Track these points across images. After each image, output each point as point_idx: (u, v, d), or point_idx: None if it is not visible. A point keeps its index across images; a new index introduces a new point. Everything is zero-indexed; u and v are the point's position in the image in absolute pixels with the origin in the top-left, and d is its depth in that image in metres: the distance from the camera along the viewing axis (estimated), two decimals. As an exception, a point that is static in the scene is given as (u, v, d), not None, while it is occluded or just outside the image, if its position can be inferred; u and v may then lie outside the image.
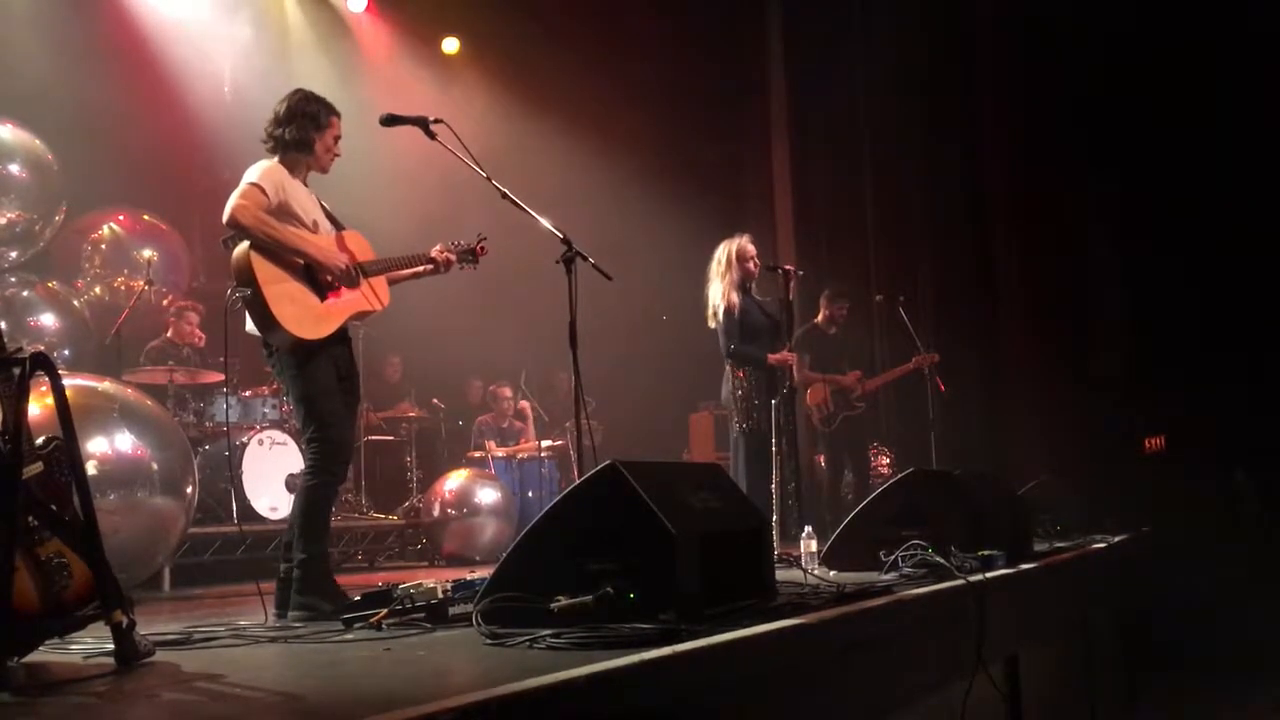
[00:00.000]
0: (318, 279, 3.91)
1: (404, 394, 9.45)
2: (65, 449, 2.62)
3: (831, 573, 4.28)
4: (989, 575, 3.95)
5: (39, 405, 3.16)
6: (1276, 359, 8.84)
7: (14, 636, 2.40)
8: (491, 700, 1.86)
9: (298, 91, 4.04)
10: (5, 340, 2.52)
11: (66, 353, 7.49)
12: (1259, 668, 6.35)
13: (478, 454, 9.12)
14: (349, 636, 3.09)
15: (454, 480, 7.93)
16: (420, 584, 3.32)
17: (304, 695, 2.24)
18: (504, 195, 4.16)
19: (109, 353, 7.33)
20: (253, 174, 3.83)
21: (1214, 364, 8.91)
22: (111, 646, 2.57)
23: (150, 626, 3.13)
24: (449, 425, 9.78)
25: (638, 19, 11.04)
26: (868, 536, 4.44)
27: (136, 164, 8.49)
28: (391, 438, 9.18)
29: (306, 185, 4.05)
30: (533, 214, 4.12)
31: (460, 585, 3.34)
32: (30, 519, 2.49)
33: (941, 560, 3.96)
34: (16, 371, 2.46)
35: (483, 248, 4.52)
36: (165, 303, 8.10)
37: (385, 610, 3.20)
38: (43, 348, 2.74)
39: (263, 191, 3.78)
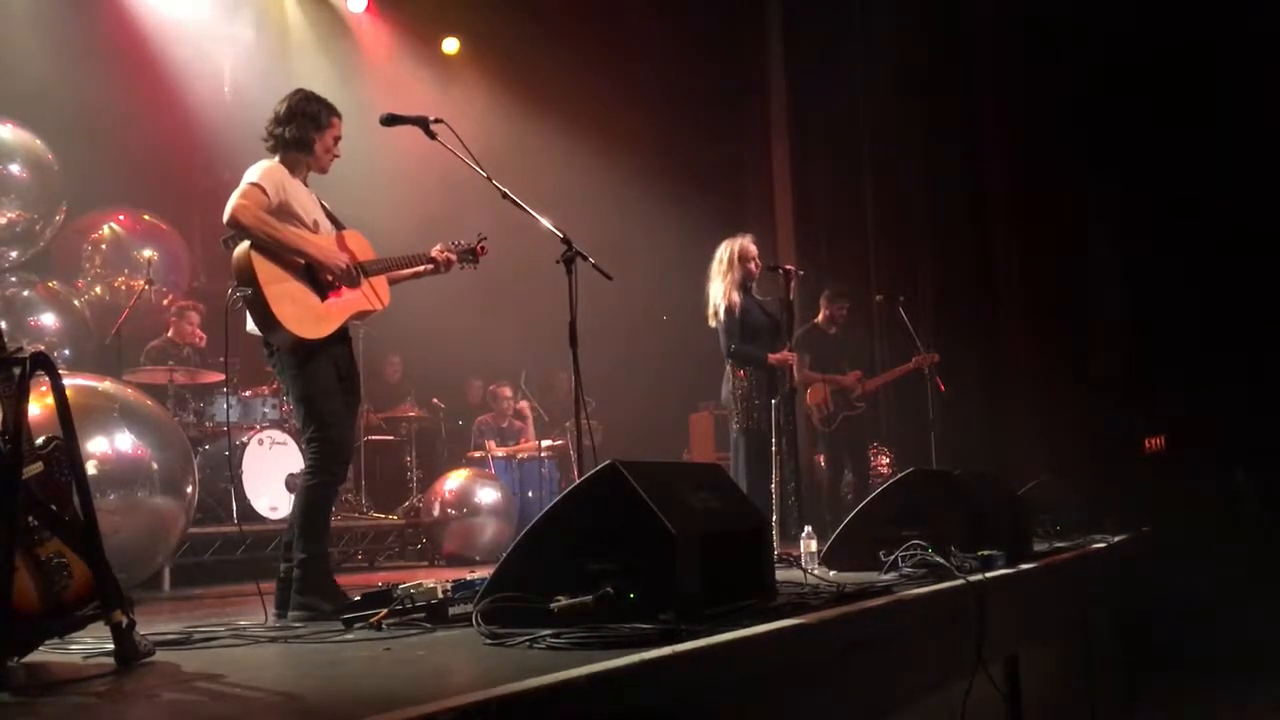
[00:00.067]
0: (318, 279, 3.91)
1: (404, 394, 9.45)
2: (65, 449, 2.62)
3: (831, 573, 4.28)
4: (989, 575, 3.95)
5: (39, 405, 3.16)
6: (1276, 359, 8.83)
7: (14, 636, 2.40)
8: (491, 700, 1.86)
9: (299, 91, 4.05)
10: (5, 340, 2.52)
11: (66, 353, 7.49)
12: (1259, 668, 6.35)
13: (478, 454, 9.12)
14: (349, 636, 3.09)
15: (454, 480, 7.93)
16: (420, 584, 3.32)
17: (304, 695, 2.24)
18: (504, 195, 4.16)
19: (109, 353, 7.33)
20: (253, 174, 3.83)
21: (1214, 364, 8.90)
22: (111, 646, 2.57)
23: (150, 626, 3.13)
24: (449, 425, 9.78)
25: (638, 19, 11.04)
26: (868, 536, 4.44)
27: (136, 164, 8.49)
28: (391, 438, 9.18)
29: (307, 185, 4.05)
30: (533, 214, 4.12)
31: (460, 585, 3.34)
32: (30, 519, 2.49)
33: (941, 560, 3.96)
34: (16, 371, 2.46)
35: (483, 247, 4.52)
36: (165, 302, 8.10)
37: (385, 610, 3.20)
38: (43, 348, 2.74)
39: (263, 191, 3.78)
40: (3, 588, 2.31)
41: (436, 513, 7.78)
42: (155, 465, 5.16)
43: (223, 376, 6.99)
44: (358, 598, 3.44)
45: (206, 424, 7.18)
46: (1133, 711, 6.28)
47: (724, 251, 6.54)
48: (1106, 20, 9.53)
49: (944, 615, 3.62)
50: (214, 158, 8.30)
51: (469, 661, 2.59)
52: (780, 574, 3.79)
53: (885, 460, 9.40)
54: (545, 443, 9.38)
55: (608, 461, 2.93)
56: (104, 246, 8.31)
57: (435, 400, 9.66)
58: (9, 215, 7.53)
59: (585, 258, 4.10)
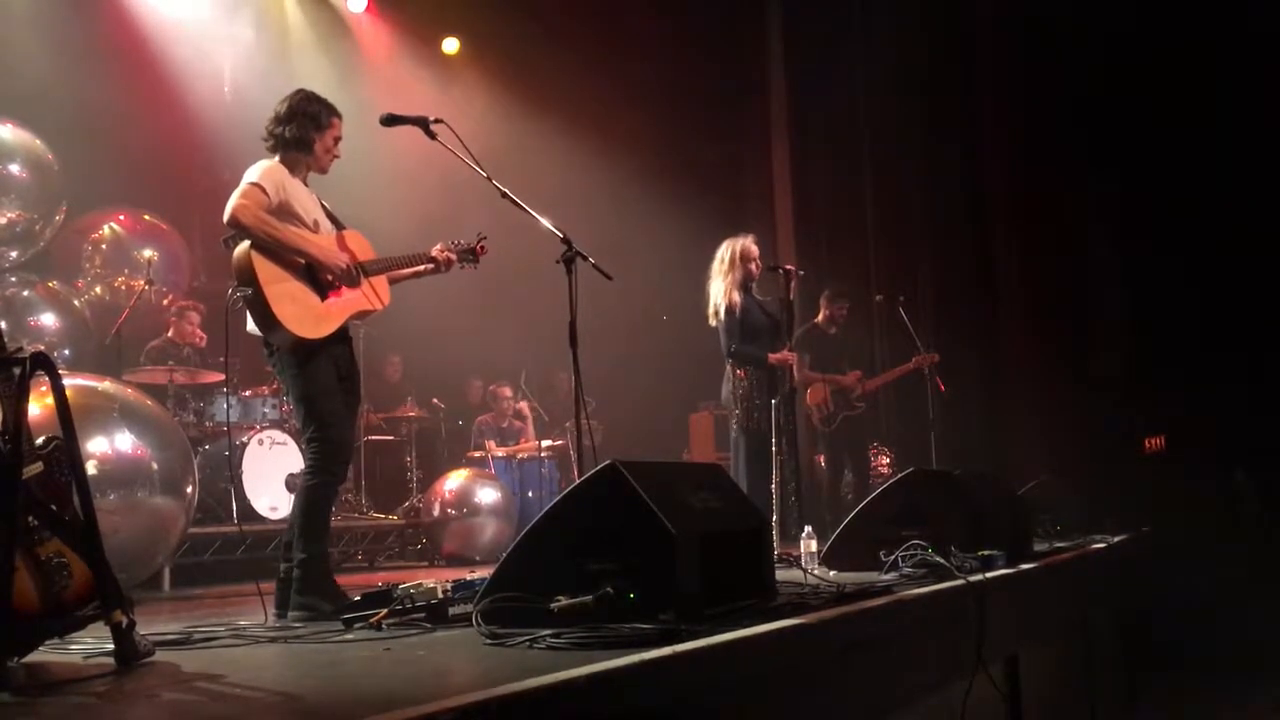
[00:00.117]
0: (318, 278, 3.91)
1: (404, 394, 9.44)
2: (65, 449, 2.62)
3: (831, 573, 4.28)
4: (989, 575, 3.95)
5: (39, 405, 3.16)
6: (1276, 359, 8.84)
7: (14, 636, 2.40)
8: (491, 700, 1.86)
9: (299, 91, 4.05)
10: (5, 340, 2.52)
11: (66, 353, 7.49)
12: (1259, 668, 6.35)
13: (478, 454, 9.12)
14: (349, 636, 3.09)
15: (454, 480, 7.93)
16: (420, 584, 3.32)
17: (304, 695, 2.24)
18: (504, 195, 4.16)
19: (109, 353, 7.33)
20: (253, 174, 3.83)
21: (1214, 364, 8.90)
22: (111, 646, 2.57)
23: (150, 626, 3.13)
24: (449, 425, 9.78)
25: (638, 19, 11.04)
26: (868, 536, 4.44)
27: (136, 164, 8.48)
28: (391, 438, 9.17)
29: (306, 185, 4.05)
30: (533, 214, 4.12)
31: (460, 585, 3.34)
32: (30, 519, 2.49)
33: (941, 560, 3.96)
34: (16, 371, 2.46)
35: (483, 247, 4.52)
36: (165, 302, 8.10)
37: (385, 610, 3.20)
38: (43, 348, 2.74)
39: (263, 191, 3.78)
40: (3, 588, 2.31)
41: (436, 513, 7.78)
42: (155, 465, 5.16)
43: (223, 376, 6.99)
44: (358, 598, 3.44)
45: (206, 424, 7.18)
46: (1133, 711, 6.28)
47: (725, 251, 6.54)
48: (1106, 20, 9.53)
49: (944, 615, 3.62)
50: (214, 158, 8.30)
51: (469, 661, 2.59)
52: (780, 574, 3.79)
53: (885, 460, 9.40)
54: (545, 443, 9.38)
55: (608, 461, 2.93)
56: (104, 246, 8.31)
57: (435, 400, 9.66)
58: (9, 215, 7.53)
59: (585, 258, 4.10)
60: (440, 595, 3.27)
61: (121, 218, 8.44)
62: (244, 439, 7.00)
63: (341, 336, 4.00)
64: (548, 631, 2.58)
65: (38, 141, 7.61)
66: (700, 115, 11.33)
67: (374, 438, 8.84)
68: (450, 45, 11.00)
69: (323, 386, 3.87)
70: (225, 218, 3.75)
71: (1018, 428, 9.82)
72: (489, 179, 4.13)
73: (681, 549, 2.76)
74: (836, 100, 10.82)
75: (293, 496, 4.19)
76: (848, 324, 8.38)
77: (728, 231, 6.70)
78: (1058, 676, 5.09)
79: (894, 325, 8.47)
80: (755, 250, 6.54)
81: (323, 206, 4.09)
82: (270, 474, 6.99)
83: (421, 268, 4.33)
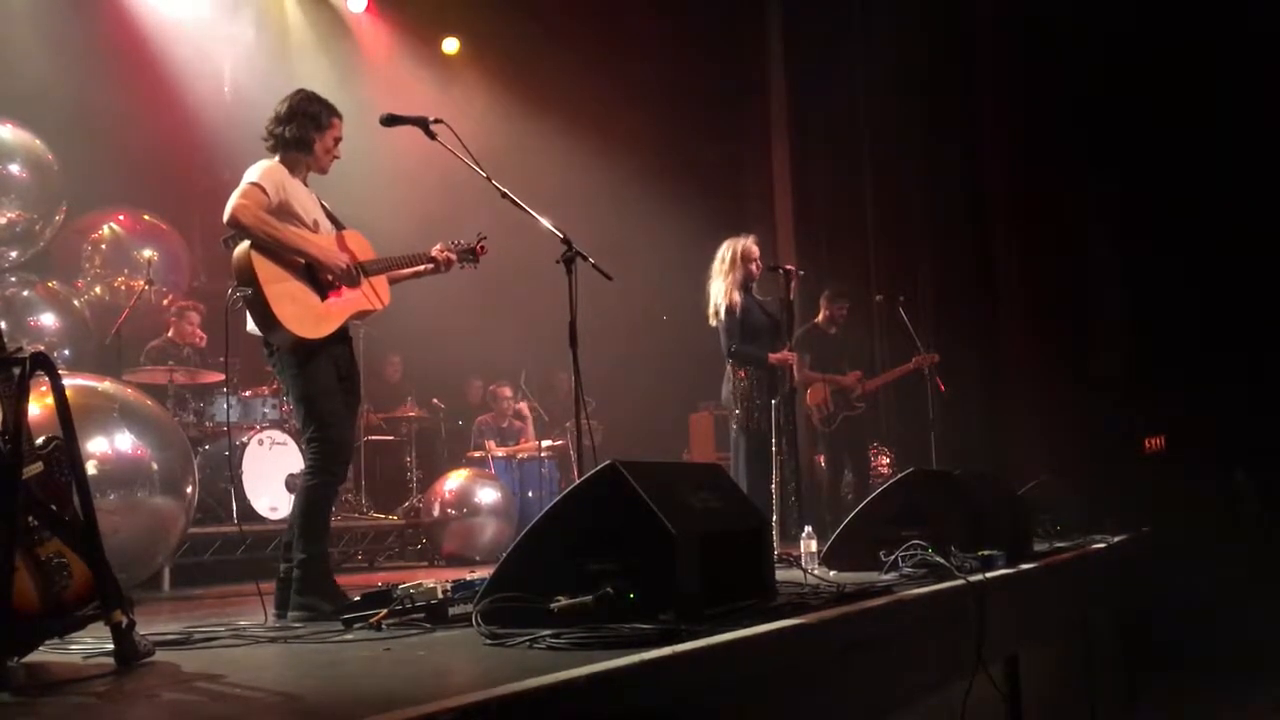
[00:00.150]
0: (318, 278, 3.91)
1: (405, 394, 9.44)
2: (65, 449, 2.62)
3: (831, 573, 4.28)
4: (989, 575, 3.95)
5: (39, 405, 3.16)
6: (1276, 359, 8.84)
7: (14, 636, 2.40)
8: (491, 700, 1.86)
9: (300, 91, 4.05)
10: (5, 340, 2.52)
11: (66, 353, 7.49)
12: (1259, 668, 6.35)
13: (478, 454, 9.12)
14: (349, 636, 3.09)
15: (454, 480, 7.93)
16: (420, 584, 3.32)
17: (304, 695, 2.24)
18: (504, 195, 4.16)
19: (109, 353, 7.33)
20: (253, 173, 3.83)
21: (1214, 364, 8.91)
22: (111, 646, 2.57)
23: (150, 626, 3.13)
24: (449, 425, 9.78)
25: (638, 19, 11.04)
26: (868, 536, 4.44)
27: (136, 164, 8.48)
28: (391, 438, 9.17)
29: (306, 185, 4.05)
30: (533, 214, 4.12)
31: (460, 585, 3.34)
32: (30, 519, 2.49)
33: (941, 560, 3.96)
34: (16, 371, 2.46)
35: (483, 247, 4.52)
36: (165, 303, 8.10)
37: (385, 610, 3.20)
38: (43, 348, 2.74)
39: (263, 191, 3.78)
40: (3, 588, 2.31)
41: (436, 513, 7.78)
42: (155, 465, 5.16)
43: (223, 376, 6.99)
44: (358, 598, 3.44)
45: (206, 424, 7.18)
46: (1133, 711, 6.28)
47: (726, 251, 6.53)
48: (1106, 20, 9.54)
49: (944, 615, 3.62)
50: (214, 158, 8.30)
51: (469, 661, 2.59)
52: (780, 574, 3.79)
53: (885, 460, 9.40)
54: (545, 443, 9.38)
55: (608, 461, 2.93)
56: (104, 246, 8.31)
57: (435, 400, 9.66)
58: (9, 215, 7.53)
59: (585, 258, 4.10)
60: (440, 595, 3.27)
61: (121, 218, 8.43)
62: (244, 439, 7.00)
63: (341, 336, 4.00)
64: (548, 631, 2.58)
65: (38, 141, 7.61)
66: (700, 115, 11.33)
67: (374, 438, 8.84)
68: (450, 45, 11.00)
69: (323, 386, 3.87)
70: (225, 218, 3.75)
71: (1018, 428, 9.82)
72: (489, 179, 4.13)
73: (681, 549, 2.76)
74: (836, 100, 10.82)
75: (293, 496, 4.19)
76: (848, 324, 8.38)
77: (728, 231, 6.70)
78: (1058, 676, 5.09)
79: (894, 325, 8.47)
80: (756, 251, 6.54)
81: (322, 206, 4.09)
82: (270, 474, 6.99)
83: (421, 268, 4.33)
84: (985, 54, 10.54)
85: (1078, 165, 10.08)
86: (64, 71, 7.71)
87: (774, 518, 5.67)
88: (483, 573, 3.31)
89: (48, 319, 7.68)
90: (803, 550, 4.56)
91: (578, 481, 3.14)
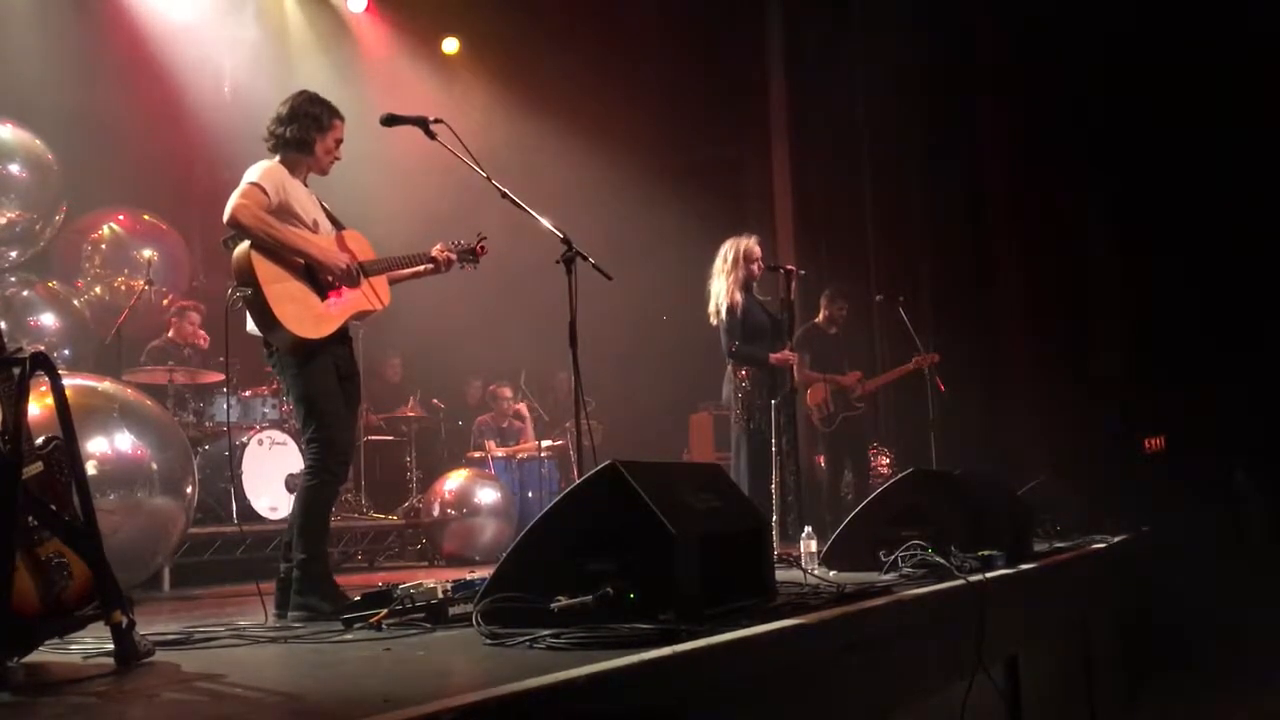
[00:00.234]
0: (318, 279, 3.91)
1: (406, 394, 9.44)
2: (65, 449, 2.62)
3: (831, 573, 4.28)
4: (989, 575, 3.95)
5: (39, 405, 3.15)
6: (1276, 359, 8.84)
7: (14, 636, 2.40)
8: (491, 700, 1.86)
9: (302, 92, 4.05)
10: (5, 340, 2.52)
11: (66, 353, 7.49)
12: (1259, 668, 6.35)
13: (478, 454, 9.11)
14: (349, 636, 3.09)
15: (454, 480, 7.93)
16: (420, 584, 3.32)
17: (304, 695, 2.24)
18: (504, 195, 4.16)
19: (109, 353, 7.33)
20: (253, 174, 3.83)
21: (1214, 364, 8.91)
22: (111, 646, 2.57)
23: (150, 626, 3.13)
24: (449, 425, 9.77)
25: (638, 19, 11.04)
26: (868, 536, 4.44)
27: (136, 164, 8.48)
28: (391, 438, 9.17)
29: (306, 185, 4.05)
30: (533, 214, 4.12)
31: (460, 585, 3.34)
32: (30, 519, 2.49)
33: (941, 560, 3.96)
34: (16, 371, 2.46)
35: (482, 247, 4.52)
36: (165, 303, 8.10)
37: (385, 610, 3.20)
38: (43, 348, 2.74)
39: (263, 191, 3.78)
40: (3, 588, 2.31)
41: (436, 513, 7.78)
42: (155, 465, 5.16)
43: (223, 376, 6.99)
44: (358, 598, 3.43)
45: (206, 424, 7.18)
46: (1133, 711, 6.28)
47: (729, 250, 6.53)
48: (1106, 20, 9.54)
49: (944, 615, 3.62)
50: (214, 158, 8.30)
51: (469, 661, 2.59)
52: (780, 574, 3.78)
53: (885, 460, 9.39)
54: (545, 443, 9.38)
55: (608, 461, 2.92)
56: (104, 246, 8.31)
57: (435, 400, 9.66)
58: (9, 215, 7.53)
59: (585, 258, 4.10)
60: (440, 595, 3.27)
61: (121, 218, 8.43)
62: (244, 439, 7.00)
63: (342, 337, 4.00)
64: (548, 631, 2.58)
65: (38, 141, 7.61)
66: (700, 115, 11.32)
67: (374, 438, 8.84)
68: (450, 45, 11.00)
69: (323, 387, 3.87)
70: (225, 218, 3.75)
71: (1018, 428, 9.82)
72: (489, 179, 4.13)
73: (681, 549, 2.76)
74: (836, 100, 10.81)
75: (293, 497, 4.19)
76: (848, 324, 8.38)
77: (728, 232, 6.69)
78: (1058, 676, 5.09)
79: (894, 325, 8.47)
80: (758, 251, 6.53)
81: (322, 207, 4.09)
82: (270, 474, 6.99)
83: (421, 268, 4.33)
84: (985, 54, 10.54)
85: (1078, 165, 10.08)
86: (64, 71, 7.71)
87: (774, 518, 5.67)
88: (483, 573, 3.31)
89: (48, 319, 7.68)
90: (803, 550, 4.55)
91: (578, 481, 3.13)
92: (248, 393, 7.58)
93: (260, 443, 7.04)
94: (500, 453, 9.15)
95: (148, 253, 7.94)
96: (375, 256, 4.15)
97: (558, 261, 4.09)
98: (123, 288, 8.20)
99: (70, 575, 2.53)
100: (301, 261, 3.86)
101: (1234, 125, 9.00)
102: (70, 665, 2.64)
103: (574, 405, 4.16)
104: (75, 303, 7.96)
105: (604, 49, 10.86)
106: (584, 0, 10.72)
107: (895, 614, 3.32)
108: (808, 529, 4.67)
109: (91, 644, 2.75)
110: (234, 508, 6.66)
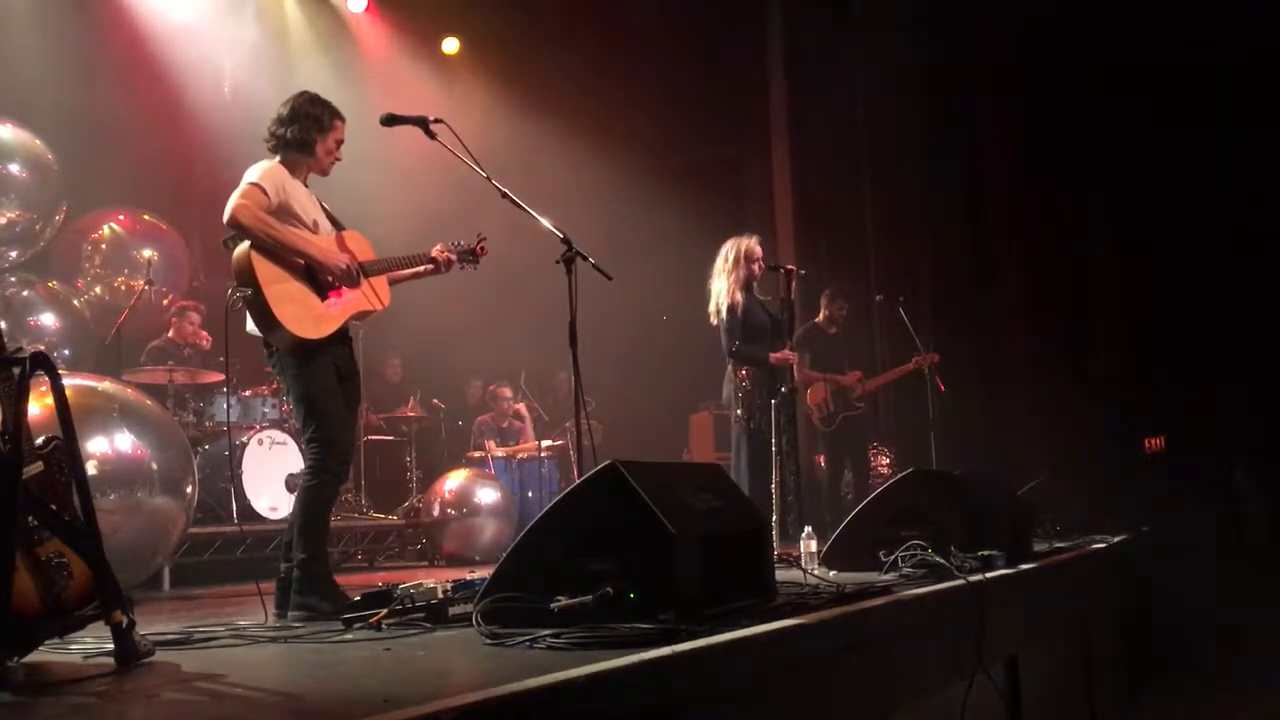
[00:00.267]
0: (318, 279, 3.91)
1: (407, 394, 9.44)
2: (65, 449, 2.62)
3: (831, 573, 4.28)
4: (989, 575, 3.95)
5: (39, 405, 3.15)
6: (1276, 359, 8.84)
7: (14, 636, 2.40)
8: (491, 700, 1.86)
9: (303, 93, 4.05)
10: (5, 340, 2.52)
11: (66, 353, 7.49)
12: (1259, 668, 6.35)
13: (478, 454, 9.11)
14: (349, 636, 3.09)
15: (454, 480, 7.93)
16: (420, 584, 3.32)
17: (304, 695, 2.24)
18: (504, 195, 4.16)
19: (109, 353, 7.33)
20: (253, 174, 3.83)
21: (1214, 364, 8.91)
22: (111, 646, 2.57)
23: (150, 626, 3.13)
24: (449, 425, 9.77)
25: (638, 19, 11.04)
26: (868, 536, 4.44)
27: (136, 164, 8.48)
28: (391, 438, 9.17)
29: (307, 186, 4.05)
30: (533, 214, 4.12)
31: (460, 585, 3.34)
32: (30, 519, 2.49)
33: (941, 560, 3.96)
34: (16, 371, 2.46)
35: (482, 247, 4.52)
36: (165, 303, 8.10)
37: (385, 610, 3.20)
38: (43, 348, 2.73)
39: (263, 191, 3.78)
40: (3, 588, 2.31)
41: (436, 513, 7.78)
42: (155, 465, 5.16)
43: (222, 376, 6.99)
44: (358, 598, 3.44)
45: (206, 424, 7.18)
46: (1133, 711, 6.28)
47: (730, 249, 6.52)
48: (1106, 20, 9.54)
49: (944, 615, 3.62)
50: (214, 158, 8.30)
51: (469, 661, 2.59)
52: (780, 574, 3.78)
53: (885, 460, 9.39)
54: (545, 443, 9.38)
55: (608, 461, 2.92)
56: (104, 246, 8.31)
57: (435, 400, 9.66)
58: (9, 215, 7.53)
59: (585, 258, 4.10)
60: (440, 595, 3.27)
61: (121, 218, 8.43)
62: (244, 439, 7.00)
63: (342, 337, 4.00)
64: (548, 631, 2.58)
65: (38, 141, 7.61)
66: (700, 115, 11.32)
67: (374, 438, 8.84)
68: (450, 45, 11.00)
69: (323, 387, 3.87)
70: (225, 218, 3.75)
71: (1018, 428, 9.82)
72: (489, 179, 4.13)
73: (681, 549, 2.76)
74: (836, 100, 10.81)
75: (293, 496, 4.19)
76: (848, 324, 8.38)
77: (728, 232, 6.69)
78: (1058, 676, 5.09)
79: (894, 325, 8.47)
80: (759, 251, 6.53)
81: (322, 207, 4.09)
82: (270, 474, 6.99)
83: (421, 268, 4.33)
84: (985, 54, 10.54)
85: (1078, 165, 10.08)
86: (64, 71, 7.71)
87: (774, 518, 5.67)
88: (483, 573, 3.31)
89: (48, 319, 7.68)
90: (803, 550, 4.55)
91: (577, 481, 3.13)
92: (248, 393, 7.58)
93: (260, 442, 7.05)
94: (500, 453, 9.15)
95: (148, 253, 7.94)
96: (375, 257, 4.15)
97: (558, 261, 4.09)
98: (123, 288, 8.20)
99: (70, 575, 2.53)
100: (301, 262, 3.87)
101: (1234, 125, 9.00)
102: (70, 665, 2.64)
103: (574, 405, 4.16)
104: (75, 303, 7.96)
105: (604, 49, 10.86)
106: (584, 0, 10.72)
107: (895, 614, 3.32)
108: (808, 529, 4.67)
109: (91, 644, 2.75)
110: (234, 508, 6.67)
